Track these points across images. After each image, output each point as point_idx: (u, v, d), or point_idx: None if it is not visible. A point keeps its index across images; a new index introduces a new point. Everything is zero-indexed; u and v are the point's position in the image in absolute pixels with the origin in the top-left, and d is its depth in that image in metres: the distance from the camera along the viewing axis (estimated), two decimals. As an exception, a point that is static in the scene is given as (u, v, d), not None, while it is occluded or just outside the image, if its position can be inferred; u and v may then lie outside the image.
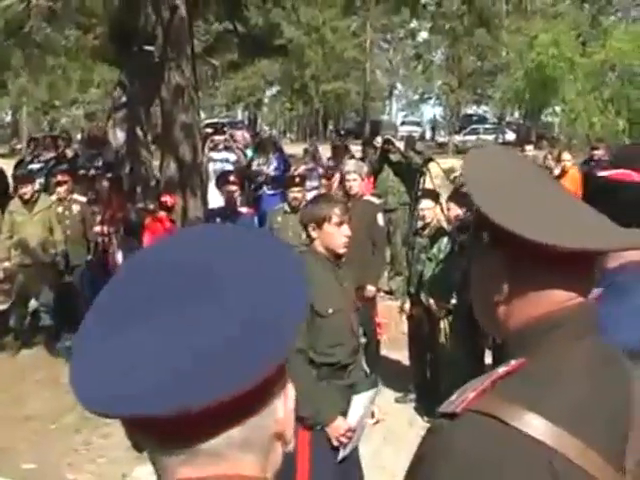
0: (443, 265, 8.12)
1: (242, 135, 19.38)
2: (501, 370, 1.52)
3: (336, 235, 5.15)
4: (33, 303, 11.48)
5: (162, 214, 10.97)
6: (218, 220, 10.16)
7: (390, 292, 12.78)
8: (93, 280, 11.35)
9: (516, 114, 57.89)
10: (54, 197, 11.54)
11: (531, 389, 1.48)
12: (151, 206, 11.54)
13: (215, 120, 37.83)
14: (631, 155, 3.01)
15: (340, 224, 5.14)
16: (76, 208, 11.59)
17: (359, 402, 5.13)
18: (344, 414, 5.07)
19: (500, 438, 1.42)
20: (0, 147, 49.34)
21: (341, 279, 5.27)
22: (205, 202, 13.18)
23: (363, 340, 5.70)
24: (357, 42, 56.57)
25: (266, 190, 14.63)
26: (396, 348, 9.71)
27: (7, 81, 34.22)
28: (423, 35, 63.09)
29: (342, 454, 5.06)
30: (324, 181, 13.91)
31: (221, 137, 15.40)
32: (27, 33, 14.27)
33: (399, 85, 78.03)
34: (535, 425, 1.42)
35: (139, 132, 13.32)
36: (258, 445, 1.09)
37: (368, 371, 5.67)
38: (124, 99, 14.69)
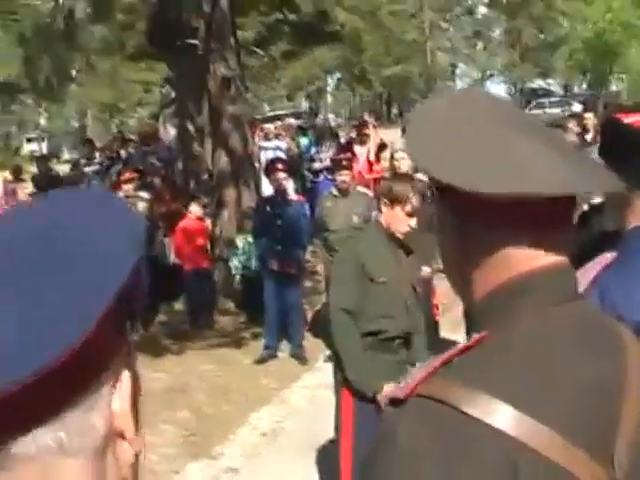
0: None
1: (290, 124, 19.19)
2: (458, 347, 1.29)
3: (402, 222, 5.15)
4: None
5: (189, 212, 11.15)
6: (268, 209, 10.04)
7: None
8: (154, 275, 11.28)
9: (583, 85, 56.93)
10: (119, 195, 11.48)
11: (491, 368, 1.25)
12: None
13: (277, 113, 37.86)
14: None
15: (411, 215, 5.12)
16: (142, 205, 11.47)
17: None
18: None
19: (450, 428, 1.18)
20: (71, 153, 49.95)
21: (399, 256, 5.27)
22: (259, 192, 13.07)
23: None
24: (415, 23, 56.13)
25: (323, 177, 14.52)
26: (455, 330, 9.50)
27: (68, 86, 34.52)
28: (482, 11, 62.34)
29: None
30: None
31: (271, 126, 15.30)
32: (66, 34, 14.30)
33: (461, 64, 77.21)
34: (495, 411, 1.18)
35: (189, 126, 13.24)
36: (85, 447, 0.86)
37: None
38: (173, 95, 14.73)
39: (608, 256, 2.30)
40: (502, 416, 1.18)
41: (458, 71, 78.30)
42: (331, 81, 54.48)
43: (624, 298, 2.02)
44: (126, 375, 0.93)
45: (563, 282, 1.34)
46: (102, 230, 0.91)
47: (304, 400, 8.81)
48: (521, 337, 1.27)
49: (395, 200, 5.11)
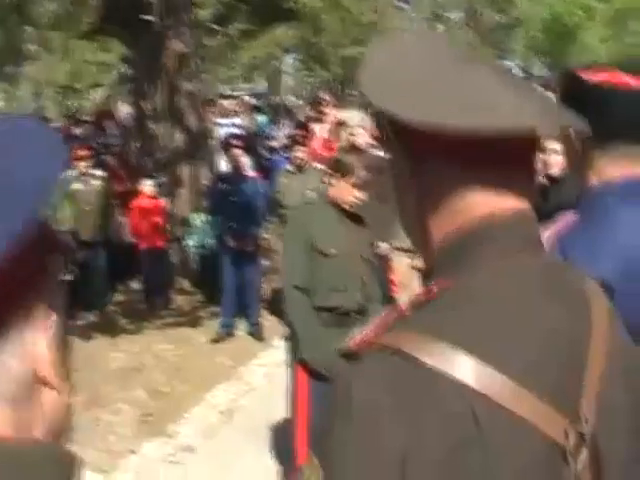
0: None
1: (247, 101, 19.02)
2: (416, 296, 1.22)
3: (349, 193, 5.12)
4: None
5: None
6: (224, 185, 9.94)
7: (409, 250, 12.39)
8: (109, 255, 11.23)
9: (543, 68, 57.07)
10: (72, 173, 11.26)
11: (451, 317, 1.17)
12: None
13: (235, 93, 37.43)
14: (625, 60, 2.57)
15: (357, 186, 5.10)
16: (97, 183, 11.30)
17: None
18: None
19: (409, 380, 1.11)
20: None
21: (351, 229, 5.22)
22: (215, 169, 12.93)
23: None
24: (373, 4, 55.77)
25: (279, 155, 14.43)
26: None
27: (21, 66, 33.97)
28: (440, -9, 62.30)
29: None
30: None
31: (227, 102, 15.17)
32: (18, 7, 14.02)
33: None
34: (455, 362, 1.11)
35: (145, 104, 13.05)
36: (3, 393, 0.81)
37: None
38: (128, 73, 14.53)
39: (569, 216, 2.25)
40: (463, 367, 1.11)
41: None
42: (289, 61, 54.14)
43: (588, 258, 1.96)
44: (53, 319, 0.85)
45: (526, 229, 1.26)
46: (19, 157, 0.84)
47: (261, 378, 8.76)
48: (482, 285, 1.20)
49: (342, 172, 5.08)
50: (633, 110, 2.14)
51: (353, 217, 5.25)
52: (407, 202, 1.31)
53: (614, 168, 2.17)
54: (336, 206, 5.17)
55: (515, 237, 1.24)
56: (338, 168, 5.12)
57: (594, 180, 2.20)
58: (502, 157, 1.21)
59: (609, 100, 2.13)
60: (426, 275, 1.30)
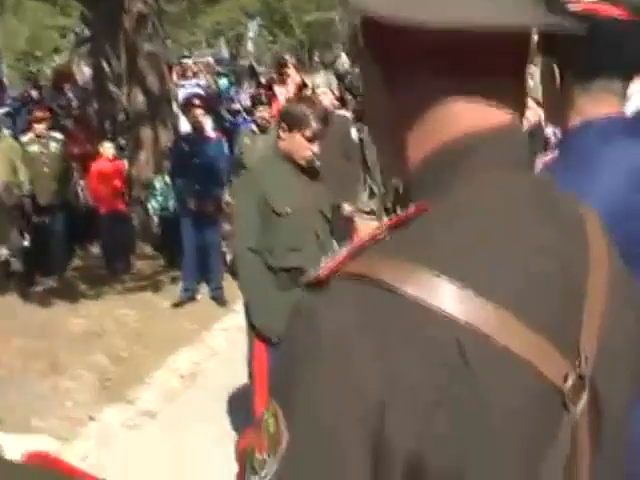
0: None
1: (209, 62, 18.78)
2: (392, 218, 1.05)
3: (303, 147, 4.79)
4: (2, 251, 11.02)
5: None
6: (185, 147, 9.74)
7: (372, 212, 12.30)
8: (68, 219, 11.05)
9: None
10: (30, 135, 11.04)
11: (431, 241, 1.00)
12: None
13: (198, 60, 37.03)
14: None
15: (312, 139, 4.75)
16: (54, 146, 11.05)
17: None
18: None
19: (385, 311, 0.95)
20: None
21: (306, 184, 4.90)
22: (177, 131, 12.70)
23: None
24: (337, -32, 55.38)
25: (241, 118, 14.27)
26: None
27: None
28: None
29: None
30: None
31: (189, 61, 14.98)
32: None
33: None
34: (438, 290, 0.95)
35: (104, 66, 12.81)
36: None
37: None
38: (87, 32, 14.27)
39: (547, 156, 2.13)
40: (447, 295, 0.95)
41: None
42: (252, 27, 53.78)
43: None
44: None
45: (514, 145, 1.10)
46: None
47: (223, 342, 8.64)
48: (467, 205, 1.04)
49: (294, 124, 4.74)
50: (618, 42, 2.01)
51: (309, 172, 4.95)
52: (380, 118, 1.15)
53: (596, 106, 2.07)
54: (290, 161, 4.85)
55: (502, 153, 1.08)
56: (288, 120, 4.79)
57: (575, 120, 2.08)
58: (488, 65, 1.05)
59: (594, 31, 1.99)
60: (404, 199, 1.14)
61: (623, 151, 2.00)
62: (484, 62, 1.05)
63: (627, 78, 2.11)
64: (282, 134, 4.83)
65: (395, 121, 1.12)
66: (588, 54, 2.00)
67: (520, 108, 1.12)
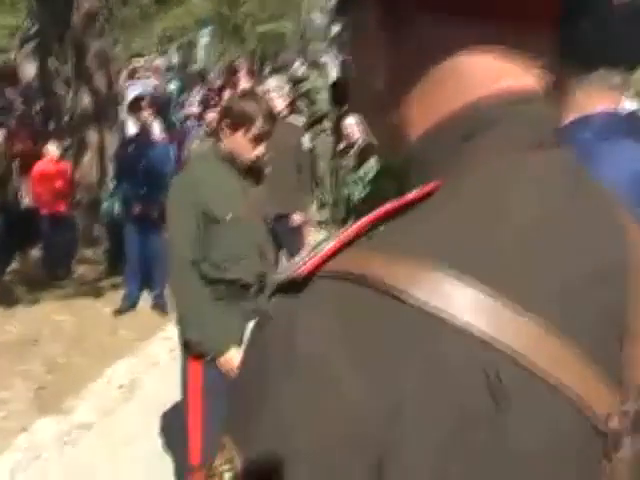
0: (372, 187, 7.49)
1: (158, 65, 18.45)
2: (393, 203, 0.78)
3: (247, 148, 4.35)
4: None
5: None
6: (131, 149, 9.45)
7: (323, 223, 12.12)
8: (7, 220, 10.78)
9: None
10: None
11: (438, 232, 0.75)
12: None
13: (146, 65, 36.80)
14: None
15: (257, 139, 4.34)
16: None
17: None
18: (242, 344, 4.24)
19: (381, 321, 0.69)
20: None
21: (247, 189, 4.48)
22: (123, 134, 12.33)
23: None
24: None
25: (191, 123, 14.05)
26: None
27: None
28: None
29: None
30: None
31: (140, 59, 14.72)
32: None
33: (336, 26, 76.88)
34: (449, 293, 0.70)
35: (50, 63, 12.51)
36: None
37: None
38: (34, 29, 13.96)
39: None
40: (465, 302, 0.70)
41: (334, 32, 78.09)
42: (204, 35, 53.57)
43: None
44: None
45: (539, 116, 0.85)
46: None
47: (164, 352, 8.34)
48: (484, 188, 0.78)
49: (237, 123, 4.31)
50: (617, 28, 1.81)
51: (252, 175, 4.53)
52: (375, 85, 0.89)
53: (594, 100, 1.91)
54: (232, 163, 4.42)
55: (530, 127, 0.83)
56: (231, 118, 4.35)
57: (572, 114, 1.89)
58: (515, 5, 0.80)
59: (589, 15, 1.78)
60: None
61: (624, 151, 1.83)
62: (513, 6, 0.81)
63: (627, 70, 1.93)
64: (224, 133, 4.39)
65: (392, 87, 0.87)
66: (583, 43, 1.80)
67: (550, 68, 0.87)
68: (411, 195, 0.78)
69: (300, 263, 0.74)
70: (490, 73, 0.82)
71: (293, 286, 0.74)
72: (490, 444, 0.68)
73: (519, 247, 0.75)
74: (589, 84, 1.91)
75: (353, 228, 0.76)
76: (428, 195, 0.78)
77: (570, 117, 1.92)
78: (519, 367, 0.69)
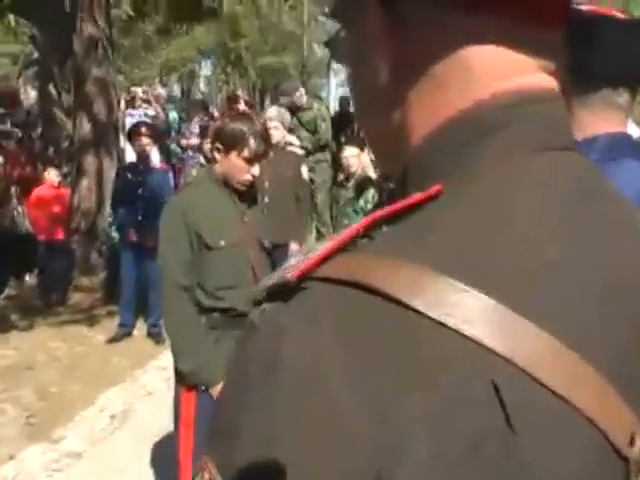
0: (372, 218, 7.48)
1: (159, 93, 18.51)
2: (393, 206, 0.72)
3: (240, 170, 4.22)
4: None
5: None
6: (129, 176, 9.40)
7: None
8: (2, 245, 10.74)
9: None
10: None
11: (444, 238, 0.69)
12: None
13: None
14: None
15: (251, 160, 4.21)
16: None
17: None
18: None
19: (380, 331, 0.63)
20: None
21: (243, 214, 4.36)
22: (122, 161, 12.34)
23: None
24: (294, 15, 55.88)
25: (191, 152, 14.07)
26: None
27: None
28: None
29: None
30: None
31: (139, 90, 14.73)
32: None
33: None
34: (457, 303, 0.63)
35: (51, 89, 12.51)
36: None
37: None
38: (36, 55, 14.00)
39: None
40: (476, 313, 0.63)
41: (334, 66, 78.44)
42: (205, 66, 53.95)
43: None
44: None
45: (553, 117, 0.78)
46: None
47: (159, 381, 8.25)
48: (496, 192, 0.72)
49: (229, 144, 4.20)
50: (622, 44, 1.75)
51: (246, 198, 4.41)
52: (375, 77, 0.82)
53: (597, 122, 1.87)
54: (226, 186, 4.30)
55: (537, 127, 0.77)
56: (223, 139, 4.24)
57: (577, 134, 1.83)
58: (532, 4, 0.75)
59: (598, 31, 1.73)
60: (398, 182, 0.81)
61: (630, 171, 1.78)
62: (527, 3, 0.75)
63: (633, 89, 1.88)
64: (217, 156, 4.28)
65: (392, 89, 0.81)
66: (594, 54, 1.74)
67: (563, 66, 0.81)
68: (413, 198, 0.72)
69: (292, 267, 0.67)
70: (497, 71, 0.76)
71: (283, 291, 0.67)
72: (501, 467, 0.61)
73: (524, 256, 0.69)
74: (591, 105, 1.85)
75: (351, 230, 0.70)
76: (431, 199, 0.72)
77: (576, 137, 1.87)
78: (532, 383, 0.63)
